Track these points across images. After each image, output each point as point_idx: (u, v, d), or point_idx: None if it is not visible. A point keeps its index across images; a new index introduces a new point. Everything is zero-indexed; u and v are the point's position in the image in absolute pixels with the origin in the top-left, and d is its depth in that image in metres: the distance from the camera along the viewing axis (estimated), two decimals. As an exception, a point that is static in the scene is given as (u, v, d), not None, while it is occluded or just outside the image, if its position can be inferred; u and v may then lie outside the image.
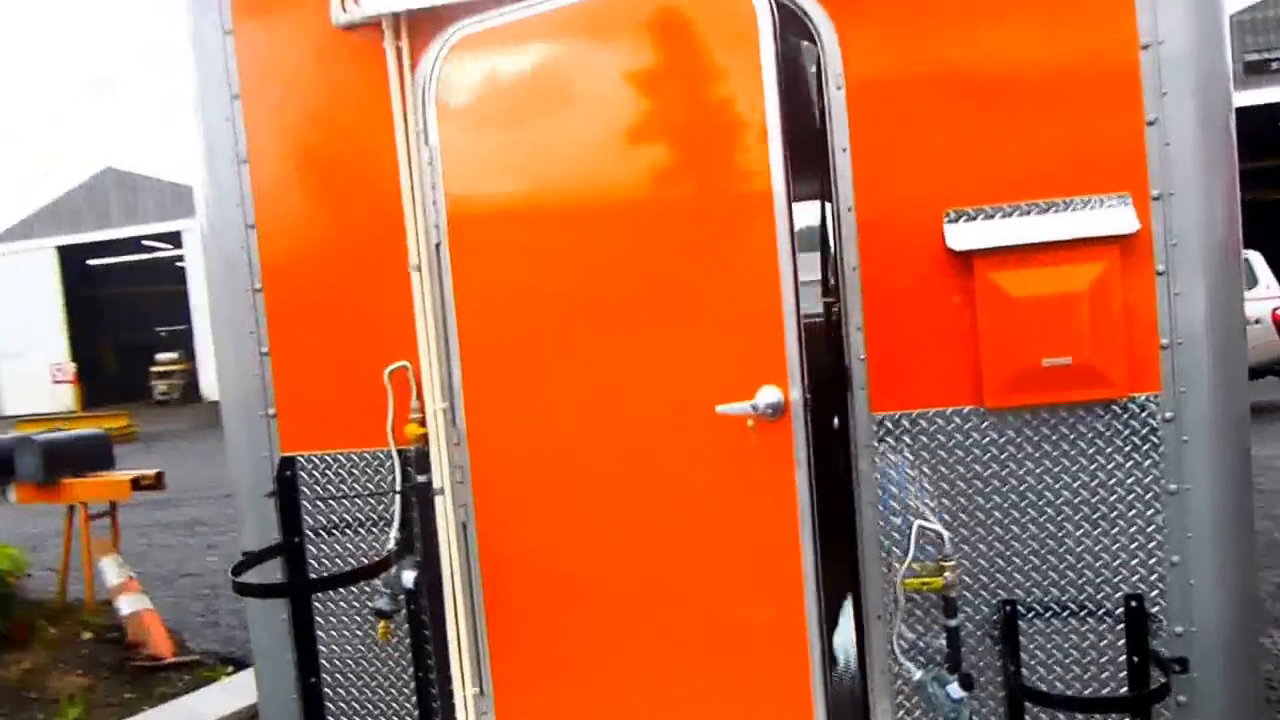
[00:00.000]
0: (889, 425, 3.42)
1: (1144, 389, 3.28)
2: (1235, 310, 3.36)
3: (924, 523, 3.37)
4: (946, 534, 3.36)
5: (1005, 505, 3.39)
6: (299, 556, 3.74)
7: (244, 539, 3.84)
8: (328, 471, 3.72)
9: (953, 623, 3.39)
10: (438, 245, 3.54)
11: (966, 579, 3.42)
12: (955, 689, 3.21)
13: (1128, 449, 3.31)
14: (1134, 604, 3.33)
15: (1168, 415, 3.28)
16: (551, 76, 3.31)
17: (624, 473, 3.35)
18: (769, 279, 2.99)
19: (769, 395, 3.02)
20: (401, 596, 3.63)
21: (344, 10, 3.51)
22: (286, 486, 3.71)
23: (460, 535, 3.62)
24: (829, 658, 3.13)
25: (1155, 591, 3.33)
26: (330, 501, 3.71)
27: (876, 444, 3.43)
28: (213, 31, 3.64)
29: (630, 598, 3.40)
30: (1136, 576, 3.34)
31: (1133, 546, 3.33)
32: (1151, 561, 3.33)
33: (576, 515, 3.46)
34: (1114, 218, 3.22)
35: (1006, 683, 3.37)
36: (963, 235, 3.29)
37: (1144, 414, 3.29)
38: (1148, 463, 3.30)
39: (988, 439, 3.37)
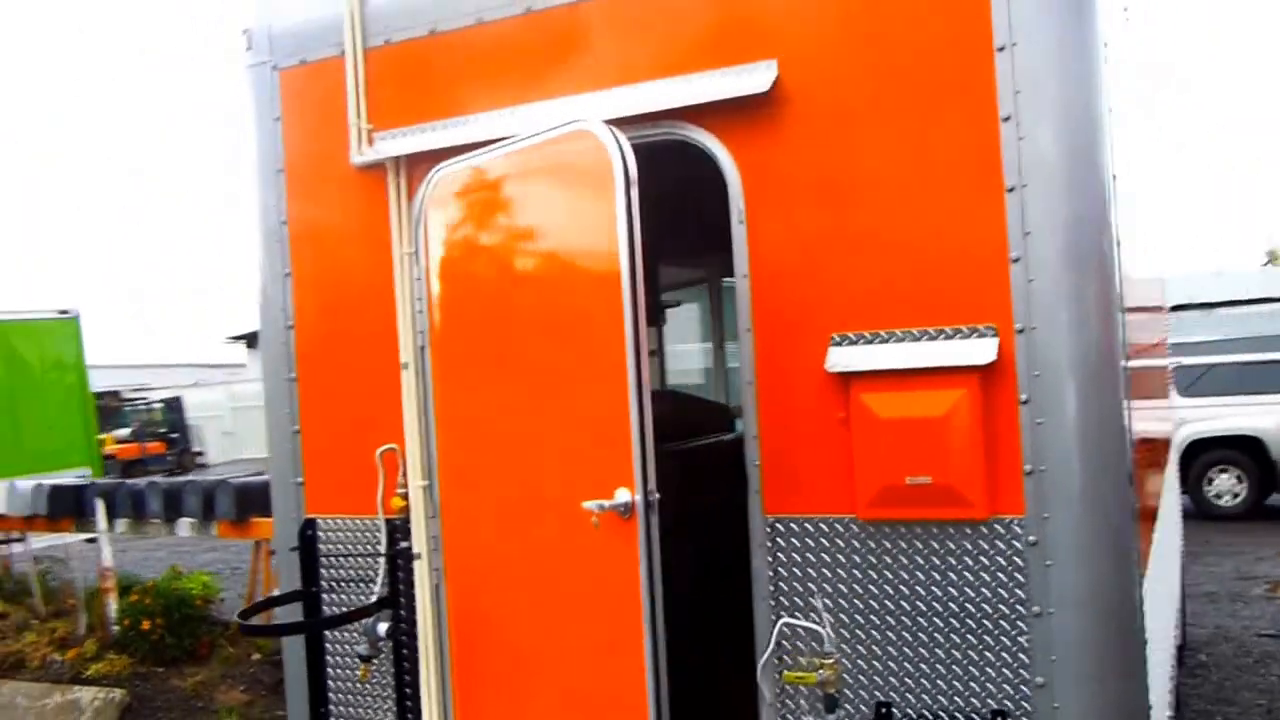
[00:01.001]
0: (780, 527, 3.74)
1: (1006, 512, 3.44)
2: (1109, 436, 3.45)
3: (791, 620, 3.66)
4: (826, 633, 3.63)
5: (881, 612, 3.61)
6: (315, 604, 4.48)
7: (281, 587, 4.63)
8: (338, 533, 4.44)
9: (830, 718, 3.65)
10: (423, 348, 4.21)
11: (848, 678, 3.66)
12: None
13: (992, 569, 3.47)
14: (998, 719, 3.47)
15: (1031, 539, 3.43)
16: (490, 209, 3.91)
17: (536, 552, 3.84)
18: (620, 397, 3.43)
19: (623, 495, 3.45)
20: (381, 643, 4.28)
21: (360, 153, 4.28)
22: (308, 544, 4.47)
23: (434, 594, 4.23)
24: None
25: (1020, 711, 3.45)
26: (336, 558, 4.43)
27: (769, 544, 3.76)
28: (270, 171, 4.51)
29: (540, 658, 3.89)
30: (1002, 694, 3.47)
31: (998, 664, 3.47)
32: (1016, 680, 3.45)
33: (506, 584, 3.99)
34: (973, 348, 3.42)
35: (879, 781, 3.59)
36: (840, 358, 3.59)
37: (1007, 536, 3.45)
38: (1011, 583, 3.45)
39: (865, 548, 3.62)
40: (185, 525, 8.49)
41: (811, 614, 3.67)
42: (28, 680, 7.70)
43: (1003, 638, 3.46)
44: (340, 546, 4.44)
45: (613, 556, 3.50)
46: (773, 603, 3.74)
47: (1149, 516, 4.61)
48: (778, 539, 3.74)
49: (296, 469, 4.53)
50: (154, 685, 7.69)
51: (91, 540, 10.58)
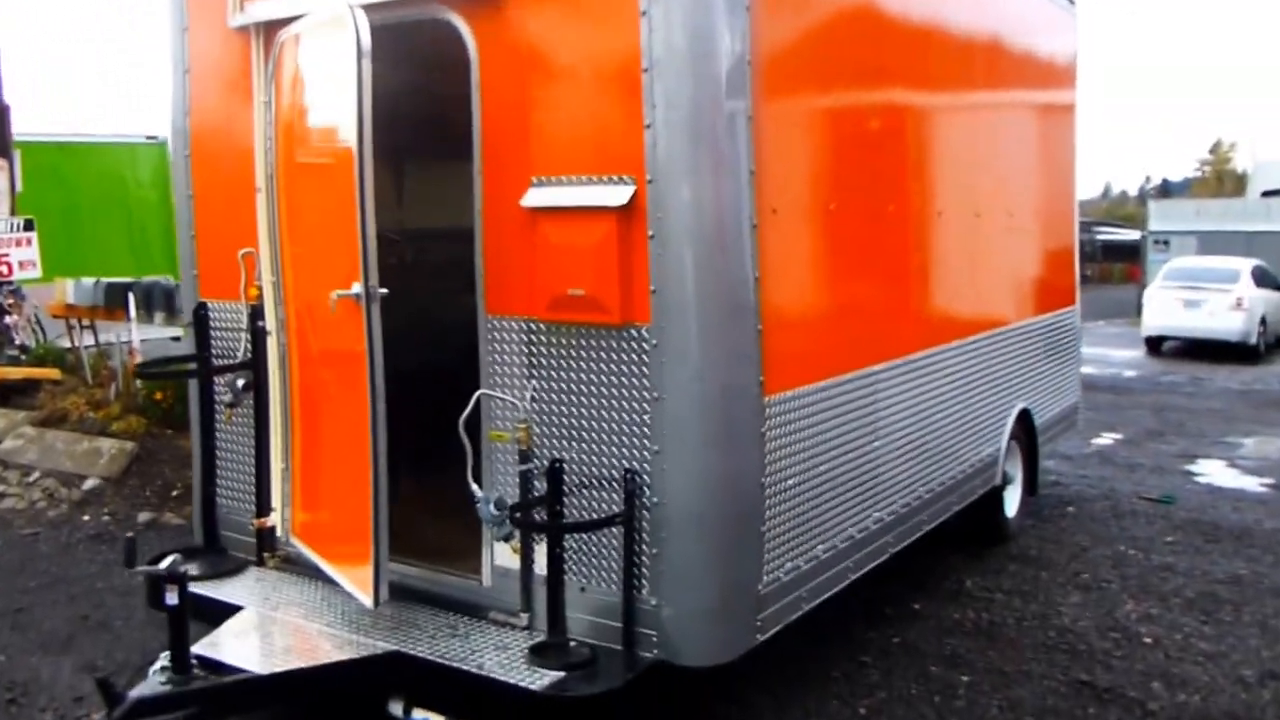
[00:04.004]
0: (496, 325, 4.67)
1: (637, 320, 4.29)
2: (714, 267, 4.25)
3: (489, 392, 4.62)
4: (524, 405, 4.58)
5: (558, 392, 4.53)
6: (206, 364, 5.63)
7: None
8: (221, 313, 5.57)
9: (523, 467, 4.61)
10: (271, 176, 5.20)
11: (536, 440, 4.62)
12: (492, 509, 4.48)
13: (627, 363, 4.34)
14: (630, 476, 4.39)
15: (654, 342, 4.27)
16: (304, 69, 4.84)
17: (325, 329, 4.87)
18: (353, 217, 4.38)
19: (356, 287, 4.44)
20: (240, 395, 5.42)
21: (233, 17, 5.22)
22: (200, 320, 5.59)
23: (280, 361, 5.32)
24: (383, 464, 4.50)
25: (644, 470, 4.36)
26: (218, 331, 5.57)
27: (489, 338, 4.70)
28: (178, 30, 5.51)
29: (331, 408, 4.96)
30: (633, 457, 4.37)
31: (631, 435, 4.38)
32: (641, 448, 4.35)
33: (314, 355, 5.07)
34: (616, 193, 4.23)
35: (549, 515, 4.56)
36: (532, 197, 4.44)
37: (637, 339, 4.30)
38: (639, 375, 4.31)
39: (546, 341, 4.53)
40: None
41: (515, 391, 4.62)
42: (66, 431, 9.25)
43: (635, 414, 4.35)
44: (221, 323, 5.56)
45: (354, 332, 4.51)
46: (491, 382, 4.71)
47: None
48: (494, 334, 4.68)
49: (194, 263, 5.65)
50: (161, 443, 9.14)
51: (176, 339, 12.06)
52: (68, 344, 11.59)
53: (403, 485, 5.49)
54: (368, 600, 4.58)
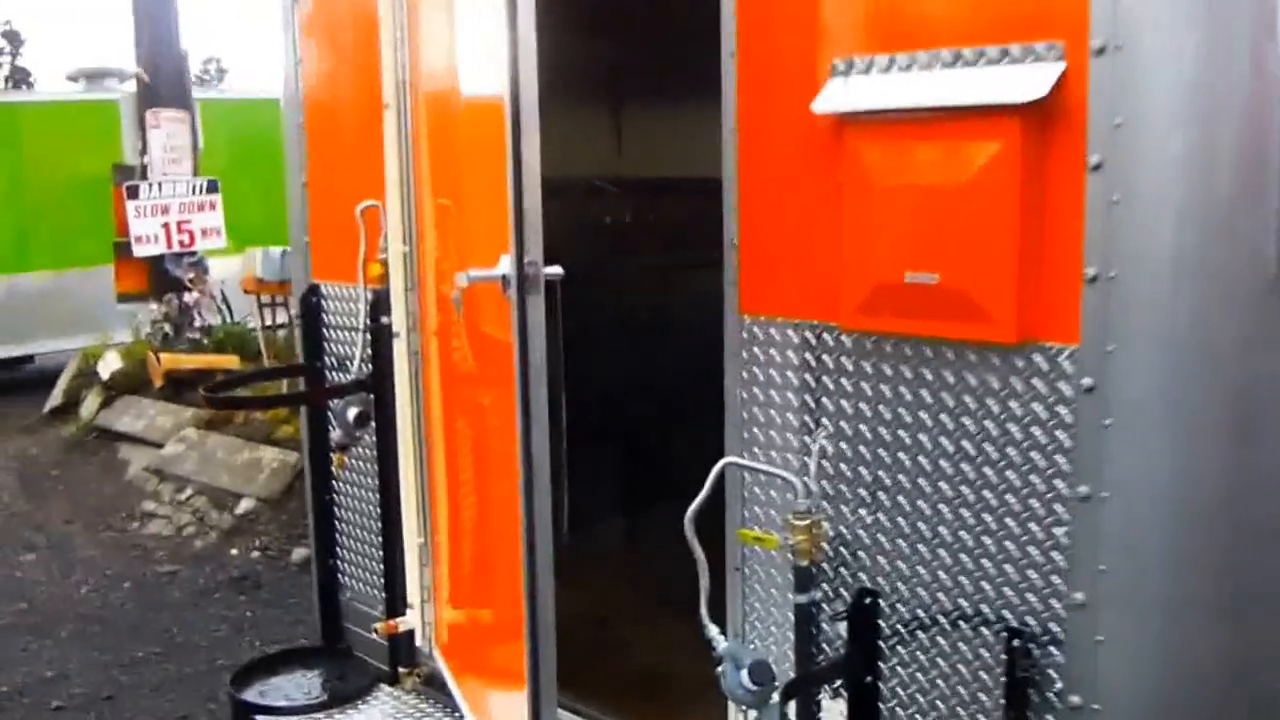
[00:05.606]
0: (757, 334, 2.50)
1: (1050, 337, 2.03)
2: (1241, 236, 1.93)
3: (738, 460, 2.45)
4: (799, 482, 2.40)
5: (871, 462, 2.33)
6: (318, 378, 3.72)
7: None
8: (338, 302, 3.63)
9: (801, 598, 2.44)
10: (405, 82, 3.19)
11: (827, 549, 2.43)
12: (745, 680, 2.33)
13: (1022, 421, 2.09)
14: (1021, 647, 2.15)
15: (1085, 382, 2.00)
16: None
17: (479, 323, 2.83)
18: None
19: (504, 264, 2.37)
20: (356, 431, 3.46)
21: None
22: (311, 312, 3.68)
23: (412, 378, 3.32)
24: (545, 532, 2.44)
25: (1046, 635, 2.11)
26: (333, 330, 3.63)
27: (744, 354, 2.54)
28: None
29: (490, 454, 2.91)
30: (1024, 607, 2.14)
31: (1022, 563, 2.13)
32: (1045, 591, 2.10)
33: (456, 365, 3.06)
34: (1015, 78, 1.97)
35: (850, 698, 2.39)
36: (832, 96, 2.23)
37: (1049, 374, 2.04)
38: (1049, 446, 2.06)
39: (850, 370, 2.33)
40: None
41: (789, 455, 2.46)
42: (230, 435, 7.62)
43: (1031, 524, 2.11)
44: (339, 318, 3.63)
45: (494, 327, 2.50)
46: (745, 434, 2.55)
47: None
48: (751, 349, 2.51)
49: (305, 226, 3.73)
50: (333, 452, 7.38)
51: None
52: (256, 324, 10.00)
53: (596, 576, 3.47)
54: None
